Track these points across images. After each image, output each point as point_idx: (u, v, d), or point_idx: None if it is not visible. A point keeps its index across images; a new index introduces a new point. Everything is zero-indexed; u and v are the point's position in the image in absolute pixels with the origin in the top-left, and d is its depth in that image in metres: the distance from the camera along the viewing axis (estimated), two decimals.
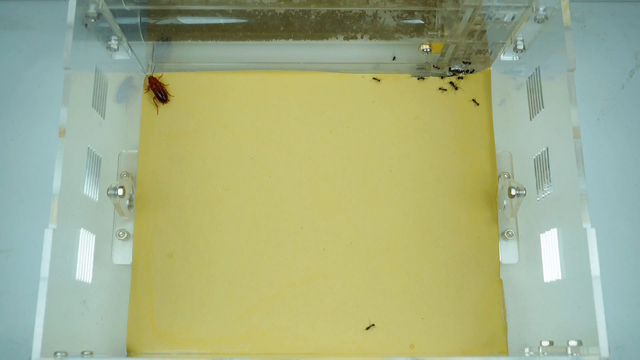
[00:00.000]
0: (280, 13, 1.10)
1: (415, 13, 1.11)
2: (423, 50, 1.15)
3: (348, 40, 1.15)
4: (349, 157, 1.12)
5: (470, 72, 1.16)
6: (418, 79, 1.16)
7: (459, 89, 1.15)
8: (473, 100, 1.14)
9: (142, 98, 1.14)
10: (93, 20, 0.98)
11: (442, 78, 1.16)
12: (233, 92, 1.15)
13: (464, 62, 1.15)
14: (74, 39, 0.92)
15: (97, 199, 1.04)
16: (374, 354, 1.04)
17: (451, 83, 1.15)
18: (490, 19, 1.03)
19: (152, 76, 1.12)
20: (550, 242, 1.00)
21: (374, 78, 1.15)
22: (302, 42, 1.15)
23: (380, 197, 1.10)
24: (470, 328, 1.05)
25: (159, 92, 1.12)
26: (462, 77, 1.15)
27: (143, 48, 1.16)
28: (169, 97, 1.12)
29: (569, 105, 0.92)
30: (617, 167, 1.17)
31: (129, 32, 1.09)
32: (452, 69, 1.16)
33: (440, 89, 1.15)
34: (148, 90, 1.13)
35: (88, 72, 1.01)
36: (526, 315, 1.06)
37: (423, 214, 1.10)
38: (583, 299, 0.86)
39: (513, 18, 1.03)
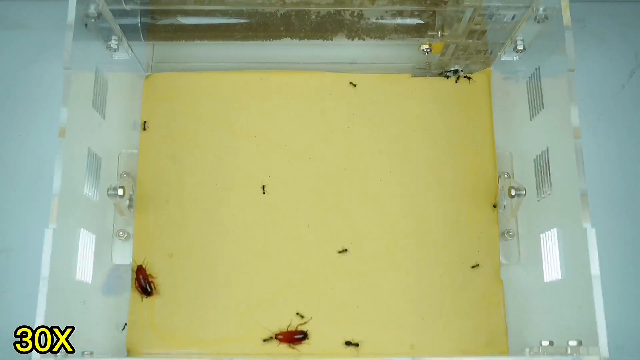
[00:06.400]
0: (280, 13, 1.10)
1: (415, 13, 1.11)
2: (423, 50, 1.15)
3: (348, 40, 1.15)
4: (349, 157, 1.12)
5: (466, 77, 1.16)
6: (429, 76, 1.16)
7: (459, 86, 1.15)
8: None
9: (141, 100, 1.14)
10: (93, 20, 0.98)
11: (447, 77, 1.16)
12: (233, 92, 1.15)
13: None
14: (74, 39, 0.92)
15: (97, 199, 1.04)
16: (374, 354, 1.04)
17: (453, 77, 1.15)
18: (491, 18, 1.03)
19: (141, 266, 1.05)
20: (550, 242, 1.00)
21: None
22: (302, 42, 1.15)
23: (380, 197, 1.10)
24: (470, 328, 1.05)
25: (145, 284, 1.04)
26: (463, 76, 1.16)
27: (143, 48, 1.16)
28: (154, 291, 1.05)
29: (569, 105, 0.92)
30: (618, 167, 1.17)
31: (129, 32, 1.09)
32: (448, 70, 1.16)
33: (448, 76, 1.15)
34: (135, 279, 1.05)
35: (88, 72, 1.01)
36: (526, 315, 1.06)
37: (423, 214, 1.10)
38: (583, 299, 0.86)
39: (513, 18, 1.03)
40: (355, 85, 1.13)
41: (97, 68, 1.04)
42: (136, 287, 1.05)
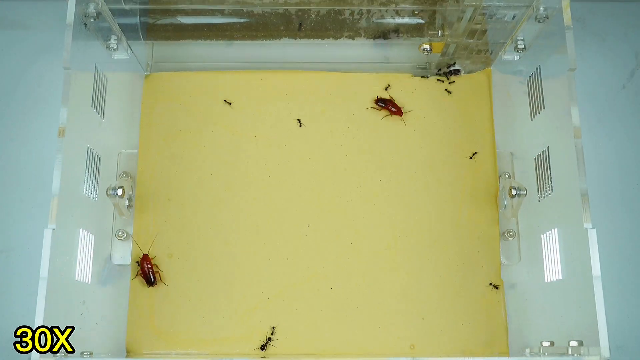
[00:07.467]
0: (280, 12, 1.10)
1: (416, 12, 1.11)
2: (423, 50, 1.14)
3: (348, 40, 1.15)
4: (349, 157, 1.12)
5: (456, 74, 1.15)
6: (422, 76, 1.15)
7: (456, 87, 1.15)
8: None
9: (142, 98, 1.14)
10: (92, 20, 0.98)
11: (447, 76, 1.16)
12: (233, 92, 1.15)
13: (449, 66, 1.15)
14: (73, 38, 0.92)
15: (96, 199, 1.04)
16: (374, 354, 1.04)
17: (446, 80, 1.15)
18: (491, 18, 1.03)
19: (146, 255, 1.05)
20: (551, 242, 1.00)
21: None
22: (302, 41, 1.15)
23: (380, 197, 1.10)
24: (470, 328, 1.05)
25: (149, 272, 1.04)
26: (455, 74, 1.16)
27: (143, 48, 1.15)
28: (158, 281, 1.04)
29: (569, 105, 0.92)
30: (618, 167, 1.17)
31: (129, 31, 1.09)
32: (442, 71, 1.16)
33: (446, 83, 1.15)
34: (139, 268, 1.04)
35: (88, 71, 1.01)
36: (527, 315, 1.06)
37: (423, 214, 1.10)
38: (584, 299, 0.86)
39: (514, 17, 1.03)
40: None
41: (97, 68, 1.04)
42: (139, 274, 1.04)
